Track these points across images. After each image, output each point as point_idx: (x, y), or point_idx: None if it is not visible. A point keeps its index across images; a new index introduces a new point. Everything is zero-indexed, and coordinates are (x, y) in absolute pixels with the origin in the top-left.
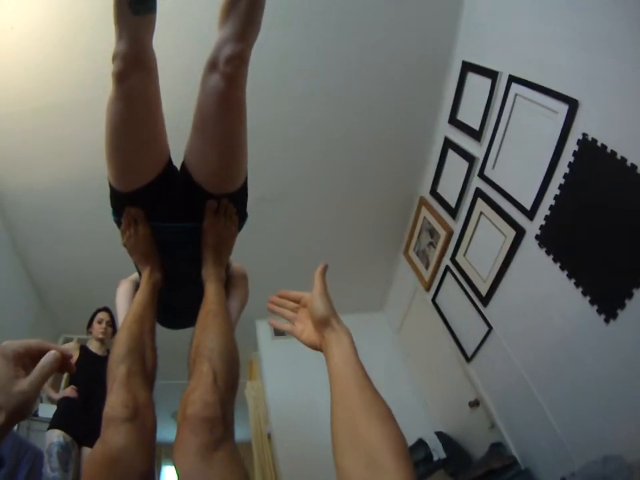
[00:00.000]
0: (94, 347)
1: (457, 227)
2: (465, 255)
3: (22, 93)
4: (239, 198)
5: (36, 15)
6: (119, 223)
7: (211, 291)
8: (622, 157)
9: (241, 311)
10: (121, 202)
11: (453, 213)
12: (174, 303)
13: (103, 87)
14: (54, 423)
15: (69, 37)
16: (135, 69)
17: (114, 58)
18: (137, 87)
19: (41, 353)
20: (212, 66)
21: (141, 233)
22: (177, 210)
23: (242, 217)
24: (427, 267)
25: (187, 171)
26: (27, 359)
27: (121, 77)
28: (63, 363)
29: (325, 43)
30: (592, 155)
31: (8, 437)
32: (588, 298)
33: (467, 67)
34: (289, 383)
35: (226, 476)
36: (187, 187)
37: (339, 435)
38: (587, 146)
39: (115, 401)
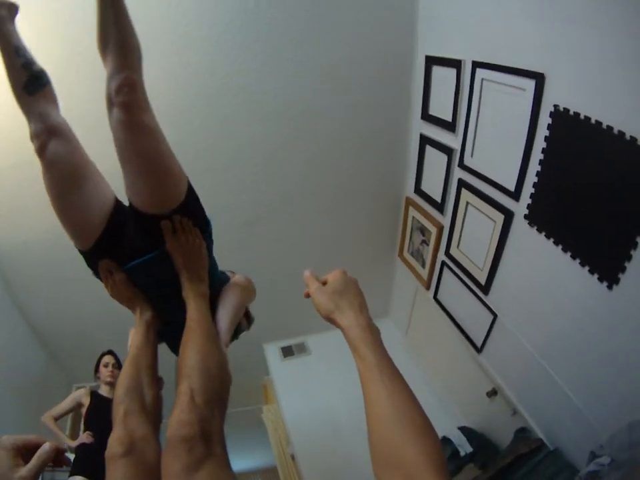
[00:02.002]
0: (104, 391)
1: (446, 221)
2: (458, 247)
3: (10, 146)
4: (190, 208)
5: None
6: (100, 279)
7: (190, 308)
8: (597, 121)
9: (235, 313)
10: (91, 259)
11: (440, 207)
12: (173, 330)
13: (87, 138)
14: (74, 470)
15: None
16: (50, 140)
17: (31, 138)
18: (58, 154)
19: (38, 445)
20: (109, 103)
21: (118, 280)
22: (141, 244)
23: (203, 224)
24: (423, 266)
25: (132, 205)
26: (25, 450)
27: (41, 152)
28: (57, 456)
29: (288, 60)
30: (567, 125)
31: None
32: (587, 268)
33: (431, 61)
34: (304, 401)
35: None
36: (139, 220)
37: (376, 451)
38: (560, 117)
39: (111, 440)
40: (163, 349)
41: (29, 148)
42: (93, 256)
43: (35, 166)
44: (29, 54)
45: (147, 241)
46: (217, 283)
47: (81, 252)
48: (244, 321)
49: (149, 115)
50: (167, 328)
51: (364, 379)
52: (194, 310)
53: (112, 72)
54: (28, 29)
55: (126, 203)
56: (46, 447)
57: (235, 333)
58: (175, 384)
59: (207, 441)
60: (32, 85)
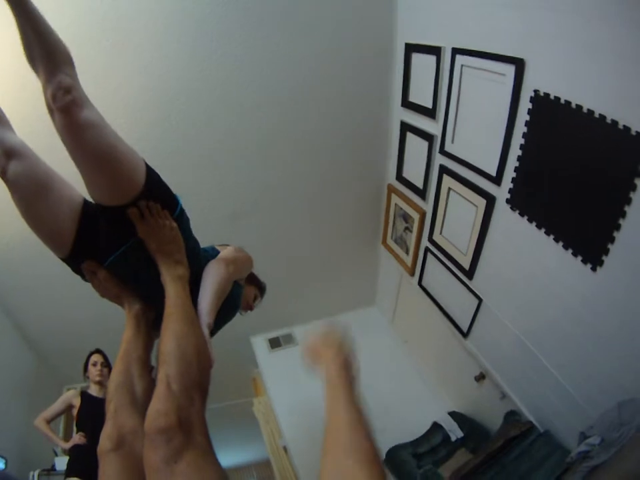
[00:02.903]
0: (94, 390)
1: (428, 207)
2: (441, 233)
3: None
4: (153, 191)
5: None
6: (87, 281)
7: (167, 293)
8: (577, 105)
9: (218, 290)
10: (74, 265)
11: (422, 194)
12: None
13: (55, 139)
14: (68, 472)
15: (19, 85)
16: (8, 163)
17: None
18: (18, 173)
19: None
20: (49, 110)
21: (102, 278)
22: (115, 238)
23: (172, 204)
24: (407, 253)
25: (97, 202)
26: None
27: (3, 175)
28: None
29: (267, 51)
30: (547, 110)
31: None
32: (570, 250)
33: (411, 48)
34: (294, 392)
35: None
36: (107, 215)
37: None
38: (541, 101)
39: (101, 436)
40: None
41: None
42: (74, 260)
43: None
44: None
45: (120, 234)
46: (202, 261)
47: (63, 260)
48: (251, 289)
49: (89, 111)
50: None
51: (329, 406)
52: (171, 294)
53: (45, 81)
54: None
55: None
56: None
57: (234, 304)
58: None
59: (187, 429)
60: None
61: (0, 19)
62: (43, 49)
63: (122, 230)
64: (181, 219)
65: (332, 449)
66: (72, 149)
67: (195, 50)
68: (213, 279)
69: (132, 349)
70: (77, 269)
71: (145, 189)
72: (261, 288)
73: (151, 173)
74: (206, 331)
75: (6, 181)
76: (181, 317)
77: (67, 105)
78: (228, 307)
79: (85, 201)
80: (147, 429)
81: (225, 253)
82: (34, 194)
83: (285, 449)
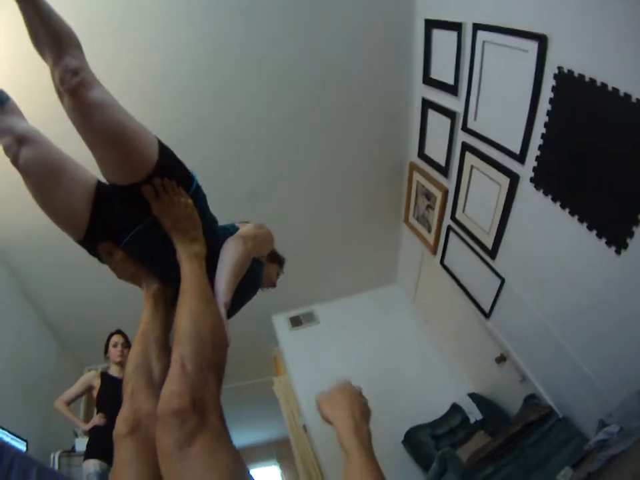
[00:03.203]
0: (114, 371)
1: (451, 185)
2: (464, 211)
3: None
4: (167, 167)
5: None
6: (104, 263)
7: (183, 271)
8: (602, 83)
9: (235, 268)
10: (89, 247)
11: (445, 171)
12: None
13: (69, 124)
14: (88, 453)
15: (31, 78)
16: (19, 149)
17: (5, 153)
18: (29, 159)
19: None
20: (58, 93)
21: (119, 258)
22: (131, 217)
23: (187, 181)
24: (429, 231)
25: (111, 182)
26: None
27: (15, 162)
28: None
29: (288, 27)
30: (571, 87)
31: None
32: (594, 232)
33: (431, 24)
34: (314, 370)
35: (202, 474)
36: (121, 194)
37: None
38: (565, 79)
39: (117, 420)
40: None
41: None
42: (91, 243)
43: None
44: None
45: (135, 213)
46: (220, 238)
47: (79, 243)
48: (272, 266)
49: (97, 91)
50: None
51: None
52: (187, 272)
53: (52, 65)
54: None
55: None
56: None
57: (255, 282)
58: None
59: (201, 411)
60: None
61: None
62: (48, 32)
63: (137, 209)
64: (197, 196)
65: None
66: (82, 130)
67: (209, 27)
68: (230, 256)
69: (150, 330)
70: (93, 251)
71: (158, 166)
72: (281, 263)
73: (164, 150)
74: (222, 310)
75: (18, 168)
76: (197, 295)
77: (74, 87)
78: (247, 285)
79: (99, 183)
80: (159, 411)
81: (244, 229)
82: (46, 179)
83: (304, 427)
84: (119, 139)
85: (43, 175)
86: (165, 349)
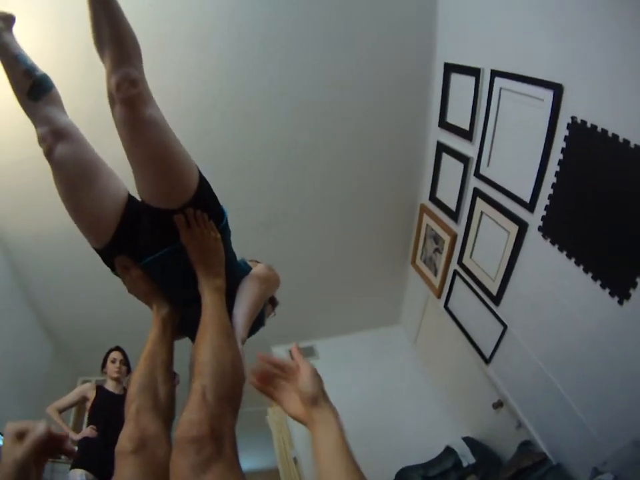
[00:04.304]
0: (110, 386)
1: (460, 230)
2: (471, 256)
3: (17, 143)
4: (203, 200)
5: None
6: (118, 275)
7: (205, 303)
8: (613, 134)
9: (253, 307)
10: (107, 257)
11: (455, 216)
12: (192, 323)
13: (103, 130)
14: (76, 463)
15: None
16: (56, 143)
17: (39, 142)
18: (65, 156)
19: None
20: (111, 100)
21: (135, 275)
22: (155, 240)
23: (218, 215)
24: (435, 274)
25: (144, 201)
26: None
27: (49, 155)
28: (54, 441)
29: (308, 63)
30: (583, 137)
31: None
32: (599, 282)
33: (450, 68)
34: None
35: None
36: (152, 215)
37: None
38: (577, 129)
39: (122, 437)
40: (178, 344)
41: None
42: (109, 253)
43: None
44: (29, 61)
45: (161, 236)
46: (237, 274)
47: (97, 250)
48: (269, 307)
49: (152, 108)
50: (187, 323)
51: (329, 454)
52: (209, 305)
53: (110, 69)
54: (31, 32)
55: (139, 198)
56: (40, 428)
57: (260, 320)
58: (189, 381)
59: (217, 440)
60: (36, 91)
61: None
62: (114, 34)
63: (164, 233)
64: (225, 232)
65: None
66: (130, 143)
67: (235, 57)
68: (249, 294)
69: (157, 352)
70: (108, 261)
71: (195, 196)
72: (274, 305)
73: (202, 181)
74: (240, 346)
75: (51, 162)
76: (218, 330)
77: (131, 99)
78: (256, 324)
79: (130, 196)
80: (178, 437)
81: (258, 270)
82: (79, 180)
83: (295, 460)
84: (166, 162)
85: (76, 174)
86: (170, 374)
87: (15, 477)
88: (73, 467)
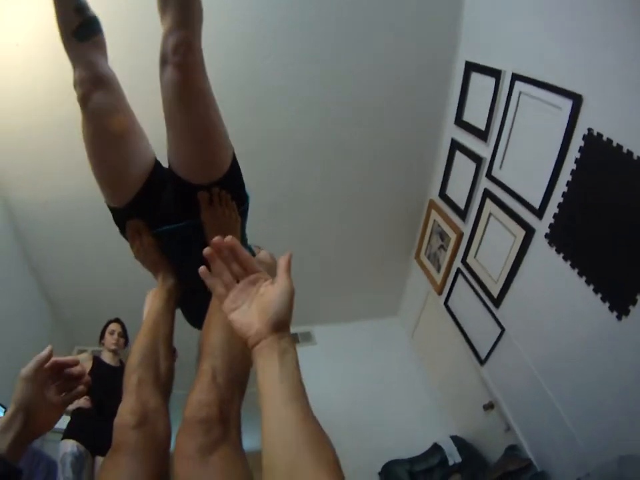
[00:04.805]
0: (107, 357)
1: (466, 229)
2: (475, 256)
3: (31, 108)
4: (231, 181)
5: (41, 31)
6: (127, 238)
7: None
8: (628, 151)
9: None
10: (120, 217)
11: (463, 214)
12: (194, 302)
13: (131, 93)
14: (68, 433)
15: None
16: (94, 90)
17: (74, 85)
18: (102, 105)
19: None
20: (163, 61)
21: (146, 242)
22: (175, 210)
23: (241, 199)
24: (438, 270)
25: (172, 170)
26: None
27: (84, 101)
28: (58, 365)
29: (331, 51)
30: (598, 150)
31: None
32: (599, 295)
33: (471, 67)
34: (306, 390)
35: None
36: (177, 186)
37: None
38: (593, 141)
39: (123, 409)
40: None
41: (57, 110)
42: (124, 214)
43: (61, 128)
44: None
45: (181, 208)
46: None
47: (111, 208)
48: None
49: (204, 79)
50: (187, 298)
51: (283, 393)
52: None
53: (170, 29)
54: None
55: (165, 165)
56: (45, 351)
57: None
58: (197, 360)
59: (225, 423)
60: (83, 31)
61: None
62: None
63: (186, 206)
64: (244, 215)
65: (284, 430)
66: (174, 108)
67: (254, 46)
68: None
69: (160, 323)
70: (120, 222)
71: (225, 176)
72: None
73: (235, 162)
74: None
75: (85, 109)
76: None
77: (187, 64)
78: None
79: (157, 161)
80: (187, 417)
81: (263, 257)
82: (110, 135)
83: None
84: (206, 137)
85: (108, 129)
86: (171, 347)
87: (16, 389)
88: (64, 438)
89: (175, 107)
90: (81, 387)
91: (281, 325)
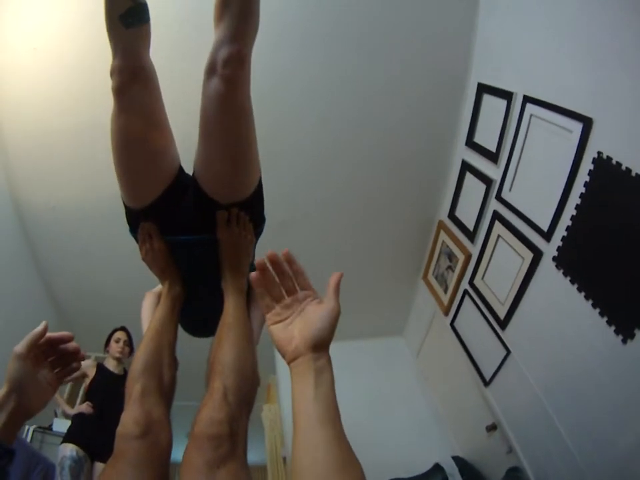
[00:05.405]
0: (111, 365)
1: (475, 250)
2: (483, 278)
3: (45, 112)
4: (252, 205)
5: (57, 35)
6: (136, 239)
7: (229, 303)
8: (637, 174)
9: (264, 323)
10: (134, 218)
11: (471, 236)
12: (196, 313)
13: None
14: (68, 437)
15: (90, 58)
16: (133, 82)
17: (112, 73)
18: (137, 100)
19: (47, 340)
20: (211, 70)
21: (157, 247)
22: (191, 221)
23: (258, 221)
24: (445, 291)
25: (197, 180)
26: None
27: (120, 91)
28: (58, 342)
29: (344, 71)
30: (607, 174)
31: (20, 448)
32: (605, 319)
33: (483, 89)
34: None
35: None
36: (198, 197)
37: None
38: (602, 164)
39: (128, 418)
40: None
41: (70, 116)
42: (139, 215)
43: (73, 135)
44: None
45: (199, 220)
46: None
47: (128, 208)
48: None
49: (248, 98)
50: (188, 306)
51: (319, 414)
52: (233, 305)
53: (224, 38)
54: None
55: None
56: (39, 327)
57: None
58: (206, 376)
59: (233, 440)
60: (131, 17)
61: None
62: (243, 7)
63: (203, 219)
64: (257, 237)
65: (316, 451)
66: (211, 119)
67: (267, 61)
68: None
69: (164, 331)
70: (134, 222)
71: (247, 198)
72: None
73: (260, 186)
74: (256, 350)
75: (119, 100)
76: (243, 333)
77: (236, 79)
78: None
79: (181, 167)
80: (197, 432)
81: None
82: (140, 134)
83: (284, 459)
84: (243, 157)
85: (142, 123)
86: (174, 359)
87: (8, 368)
88: (64, 441)
89: (215, 120)
90: (75, 364)
91: (320, 345)
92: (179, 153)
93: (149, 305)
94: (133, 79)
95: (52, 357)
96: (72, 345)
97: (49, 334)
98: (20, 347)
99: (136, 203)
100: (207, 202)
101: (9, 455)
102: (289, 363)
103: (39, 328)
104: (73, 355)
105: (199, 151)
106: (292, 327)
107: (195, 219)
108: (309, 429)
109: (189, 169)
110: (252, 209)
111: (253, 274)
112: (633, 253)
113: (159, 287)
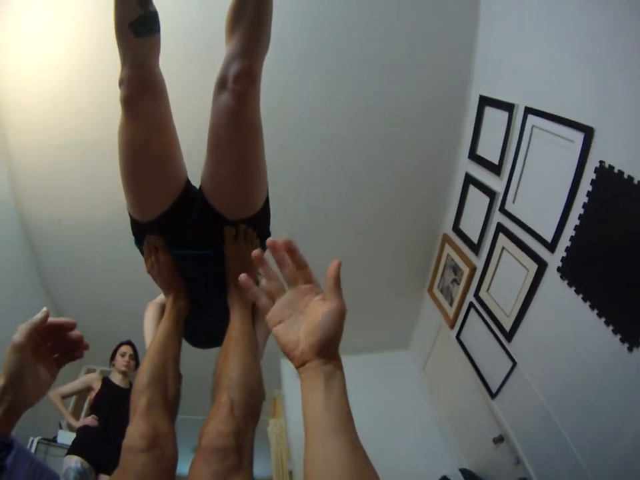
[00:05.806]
0: (116, 379)
1: (479, 263)
2: (488, 290)
3: (50, 128)
4: (259, 221)
5: (62, 50)
6: (141, 250)
7: (235, 317)
8: (639, 182)
9: (268, 337)
10: (140, 230)
11: (476, 249)
12: (201, 325)
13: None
14: (72, 449)
15: (96, 72)
16: (142, 93)
17: (120, 83)
18: (146, 111)
19: (48, 326)
20: (221, 85)
21: (163, 260)
22: (198, 235)
23: (264, 237)
24: (451, 304)
25: (204, 194)
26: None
27: (128, 102)
28: (58, 329)
29: (345, 85)
30: (610, 183)
31: (25, 458)
32: (611, 327)
33: (484, 101)
34: None
35: None
36: (205, 212)
37: None
38: (605, 173)
39: (134, 432)
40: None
41: (76, 132)
42: (145, 228)
43: (79, 150)
44: None
45: (206, 234)
46: None
47: (134, 220)
48: None
49: (258, 113)
50: (192, 317)
51: (332, 423)
52: (239, 320)
53: (236, 53)
54: None
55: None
56: (39, 314)
57: None
58: (212, 390)
59: (239, 453)
60: (141, 25)
61: None
62: (256, 21)
63: (210, 233)
64: (264, 251)
65: (331, 462)
66: (220, 134)
67: (268, 83)
68: None
69: (169, 345)
70: (138, 233)
71: (255, 214)
72: None
73: (267, 202)
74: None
75: (128, 110)
76: (248, 346)
77: (244, 93)
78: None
79: (188, 181)
80: (204, 445)
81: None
82: (149, 146)
83: (290, 473)
84: (251, 173)
85: (151, 134)
86: (178, 373)
87: (5, 360)
88: (69, 453)
89: (224, 135)
90: (77, 352)
91: (327, 350)
92: (185, 165)
93: (152, 316)
94: (142, 89)
95: (51, 342)
96: (75, 333)
97: (50, 319)
98: (19, 336)
99: (143, 215)
100: (215, 216)
101: (7, 449)
102: (296, 368)
103: (39, 316)
104: (76, 344)
105: (207, 165)
106: (296, 327)
107: (202, 232)
108: (323, 439)
109: (195, 183)
110: (259, 225)
111: (243, 275)
112: (638, 260)
113: (161, 296)
